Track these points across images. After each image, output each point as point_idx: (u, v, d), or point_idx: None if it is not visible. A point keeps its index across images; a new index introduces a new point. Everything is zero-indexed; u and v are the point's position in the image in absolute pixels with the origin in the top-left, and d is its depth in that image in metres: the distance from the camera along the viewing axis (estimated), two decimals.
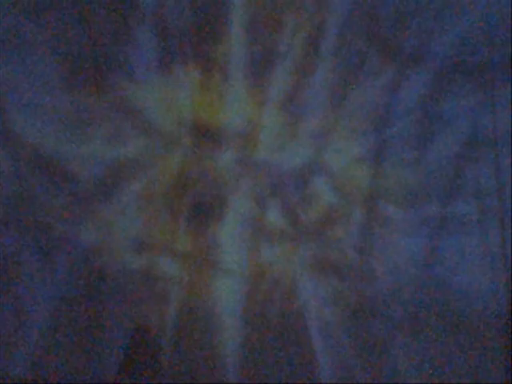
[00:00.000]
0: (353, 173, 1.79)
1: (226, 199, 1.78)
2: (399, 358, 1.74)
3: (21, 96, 1.75)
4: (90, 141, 1.78)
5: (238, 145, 1.79)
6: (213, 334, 1.75)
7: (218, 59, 1.78)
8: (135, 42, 1.78)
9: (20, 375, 1.73)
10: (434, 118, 1.75)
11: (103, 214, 1.78)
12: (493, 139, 1.73)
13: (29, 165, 1.76)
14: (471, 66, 1.73)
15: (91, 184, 1.78)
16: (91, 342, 1.74)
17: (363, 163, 1.78)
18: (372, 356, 1.74)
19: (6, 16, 1.76)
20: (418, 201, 1.77)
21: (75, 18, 1.76)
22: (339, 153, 1.79)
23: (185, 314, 1.76)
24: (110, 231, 1.78)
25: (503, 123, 1.73)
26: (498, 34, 1.71)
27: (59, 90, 1.76)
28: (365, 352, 1.74)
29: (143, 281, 1.77)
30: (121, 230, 1.78)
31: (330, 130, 1.78)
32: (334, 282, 1.76)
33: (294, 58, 1.77)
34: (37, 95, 1.76)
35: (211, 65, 1.77)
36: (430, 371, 1.73)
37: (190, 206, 1.79)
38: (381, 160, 1.77)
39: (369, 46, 1.73)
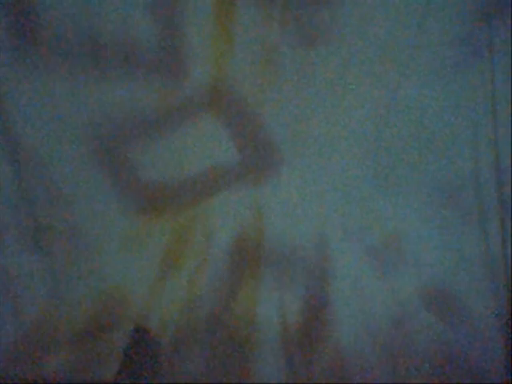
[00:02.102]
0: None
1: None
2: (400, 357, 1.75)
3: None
4: None
5: None
6: (213, 333, 1.75)
7: None
8: None
9: (20, 375, 1.74)
10: (434, 118, 1.75)
11: None
12: (493, 139, 1.73)
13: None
14: (471, 65, 1.73)
15: None
16: (91, 342, 1.75)
17: None
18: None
19: None
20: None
21: None
22: None
23: (185, 313, 1.76)
24: None
25: (503, 123, 1.73)
26: (498, 34, 1.71)
27: None
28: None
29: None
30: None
31: None
32: None
33: None
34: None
35: None
36: (430, 371, 1.73)
37: None
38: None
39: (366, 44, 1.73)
